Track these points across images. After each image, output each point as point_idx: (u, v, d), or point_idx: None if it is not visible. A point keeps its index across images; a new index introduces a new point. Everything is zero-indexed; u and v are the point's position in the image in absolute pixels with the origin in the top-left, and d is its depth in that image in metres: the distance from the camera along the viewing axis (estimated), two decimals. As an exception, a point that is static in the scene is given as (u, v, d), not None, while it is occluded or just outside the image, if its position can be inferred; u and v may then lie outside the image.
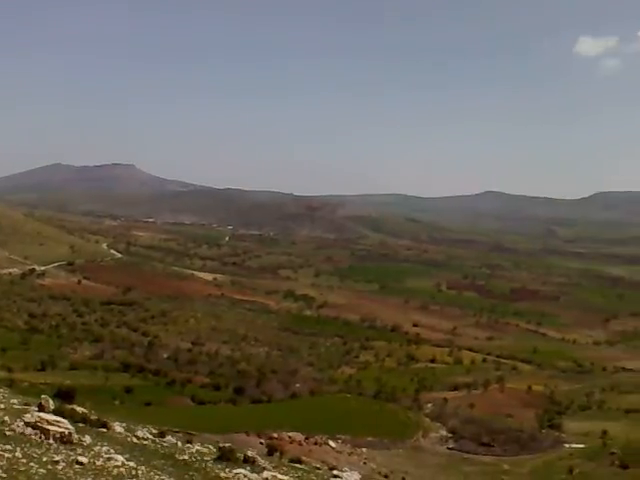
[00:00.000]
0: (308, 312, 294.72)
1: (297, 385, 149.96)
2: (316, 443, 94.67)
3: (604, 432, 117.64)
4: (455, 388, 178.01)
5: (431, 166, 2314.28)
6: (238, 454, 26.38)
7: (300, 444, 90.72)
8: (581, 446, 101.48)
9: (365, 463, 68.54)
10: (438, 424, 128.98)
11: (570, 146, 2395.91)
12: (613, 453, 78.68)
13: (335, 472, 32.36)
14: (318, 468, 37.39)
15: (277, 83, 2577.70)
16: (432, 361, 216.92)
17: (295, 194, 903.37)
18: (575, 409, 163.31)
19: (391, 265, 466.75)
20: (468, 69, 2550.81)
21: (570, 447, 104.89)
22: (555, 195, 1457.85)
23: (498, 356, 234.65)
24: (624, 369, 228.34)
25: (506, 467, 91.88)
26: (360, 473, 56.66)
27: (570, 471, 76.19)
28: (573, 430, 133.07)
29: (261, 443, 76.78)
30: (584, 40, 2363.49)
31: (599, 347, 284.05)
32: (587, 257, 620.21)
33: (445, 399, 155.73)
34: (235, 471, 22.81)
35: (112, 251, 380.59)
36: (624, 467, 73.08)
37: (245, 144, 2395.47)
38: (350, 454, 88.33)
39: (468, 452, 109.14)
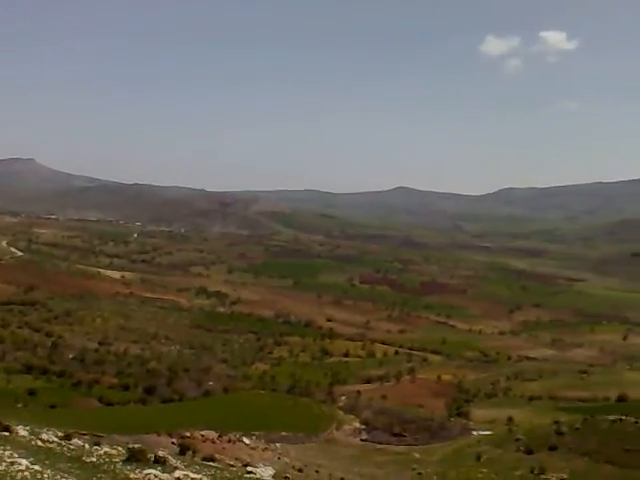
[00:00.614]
0: (221, 309, 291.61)
1: (210, 383, 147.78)
2: (230, 440, 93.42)
3: (509, 419, 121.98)
4: (368, 381, 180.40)
5: (344, 162, 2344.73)
6: (149, 455, 25.47)
7: (213, 442, 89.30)
8: (488, 433, 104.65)
9: (279, 458, 68.26)
10: (352, 416, 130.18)
11: (476, 143, 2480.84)
12: (518, 439, 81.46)
13: (249, 468, 32.05)
14: (232, 465, 36.81)
15: (188, 77, 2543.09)
16: (346, 355, 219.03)
17: (207, 190, 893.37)
18: (482, 397, 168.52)
19: (305, 261, 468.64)
20: (377, 62, 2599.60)
21: (478, 434, 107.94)
22: (462, 191, 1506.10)
23: (409, 348, 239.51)
24: (527, 358, 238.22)
25: (417, 456, 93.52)
26: (274, 468, 56.23)
27: (478, 458, 78.36)
28: (480, 417, 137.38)
29: (173, 443, 75.07)
30: (489, 40, 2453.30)
31: (504, 337, 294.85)
32: (492, 251, 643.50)
33: (358, 392, 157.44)
34: (145, 472, 21.99)
35: (12, 249, 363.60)
36: (529, 452, 75.79)
37: (155, 139, 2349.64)
38: (264, 450, 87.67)
39: (381, 443, 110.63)
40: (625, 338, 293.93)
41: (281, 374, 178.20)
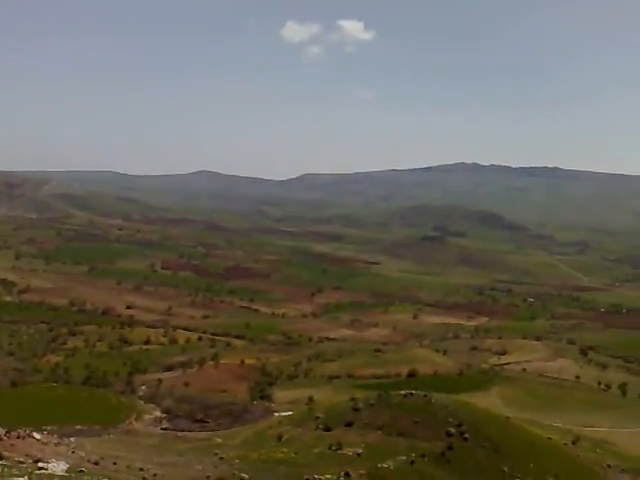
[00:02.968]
0: (8, 298, 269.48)
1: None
2: (19, 437, 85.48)
3: (310, 398, 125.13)
4: (170, 368, 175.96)
5: (145, 144, 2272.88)
6: None
7: (0, 439, 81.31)
8: (289, 413, 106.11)
9: (74, 452, 63.64)
10: (152, 405, 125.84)
11: (279, 129, 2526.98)
12: (318, 418, 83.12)
13: (40, 464, 29.49)
14: (22, 462, 33.64)
15: None
16: (147, 343, 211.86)
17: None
18: (284, 379, 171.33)
19: (102, 246, 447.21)
20: (173, 46, 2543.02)
21: (280, 415, 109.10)
22: (265, 176, 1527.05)
23: (213, 334, 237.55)
24: (328, 339, 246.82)
25: (219, 441, 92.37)
26: (68, 463, 52.00)
27: (279, 438, 78.84)
28: (283, 399, 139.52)
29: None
30: (290, 25, 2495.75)
31: (306, 319, 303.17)
32: (295, 235, 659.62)
33: (160, 380, 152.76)
34: None
35: None
36: (327, 430, 77.57)
37: None
38: (57, 444, 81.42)
39: (182, 430, 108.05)
40: (416, 317, 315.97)
41: (76, 365, 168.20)
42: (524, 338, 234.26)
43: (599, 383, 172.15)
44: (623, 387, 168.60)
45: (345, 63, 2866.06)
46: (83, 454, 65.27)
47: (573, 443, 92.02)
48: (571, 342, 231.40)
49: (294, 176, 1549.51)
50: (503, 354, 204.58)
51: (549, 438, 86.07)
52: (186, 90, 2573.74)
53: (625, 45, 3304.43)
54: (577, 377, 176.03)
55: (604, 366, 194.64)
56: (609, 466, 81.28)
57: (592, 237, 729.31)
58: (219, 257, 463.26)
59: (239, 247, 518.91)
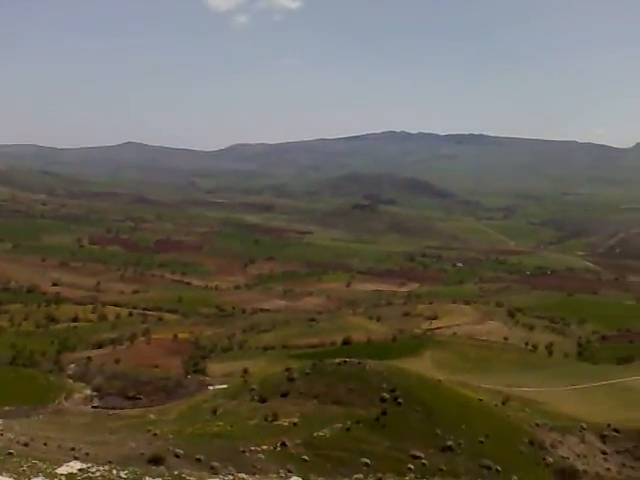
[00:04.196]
0: None
1: None
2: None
3: (245, 370, 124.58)
4: (100, 345, 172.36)
5: (67, 115, 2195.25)
6: None
7: None
8: (224, 386, 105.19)
9: (2, 434, 61.00)
10: (82, 384, 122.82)
11: (207, 99, 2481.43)
12: (253, 389, 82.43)
13: None
14: None
15: None
16: (75, 320, 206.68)
17: None
18: (219, 352, 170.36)
19: (25, 222, 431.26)
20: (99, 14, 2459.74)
21: (214, 389, 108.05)
22: (194, 147, 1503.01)
23: (144, 309, 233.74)
24: (261, 310, 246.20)
25: (153, 417, 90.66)
26: (-5, 445, 49.57)
27: (214, 412, 77.83)
28: (217, 372, 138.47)
29: None
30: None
31: (239, 291, 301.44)
32: (226, 206, 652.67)
33: (89, 358, 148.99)
34: None
35: None
36: (263, 401, 76.99)
37: None
38: (-16, 427, 78.28)
39: (114, 408, 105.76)
40: (348, 285, 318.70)
41: (1, 345, 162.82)
42: (454, 302, 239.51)
43: (526, 344, 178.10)
44: (549, 347, 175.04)
45: (273, 32, 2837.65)
46: (12, 436, 62.74)
47: (503, 403, 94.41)
48: (499, 305, 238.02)
49: (224, 147, 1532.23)
50: (434, 319, 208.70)
51: (480, 399, 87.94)
52: (111, 60, 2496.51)
53: (551, 14, 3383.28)
54: (505, 339, 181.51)
55: (531, 327, 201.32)
56: (537, 424, 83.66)
57: (517, 202, 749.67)
58: (148, 230, 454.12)
59: (169, 220, 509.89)
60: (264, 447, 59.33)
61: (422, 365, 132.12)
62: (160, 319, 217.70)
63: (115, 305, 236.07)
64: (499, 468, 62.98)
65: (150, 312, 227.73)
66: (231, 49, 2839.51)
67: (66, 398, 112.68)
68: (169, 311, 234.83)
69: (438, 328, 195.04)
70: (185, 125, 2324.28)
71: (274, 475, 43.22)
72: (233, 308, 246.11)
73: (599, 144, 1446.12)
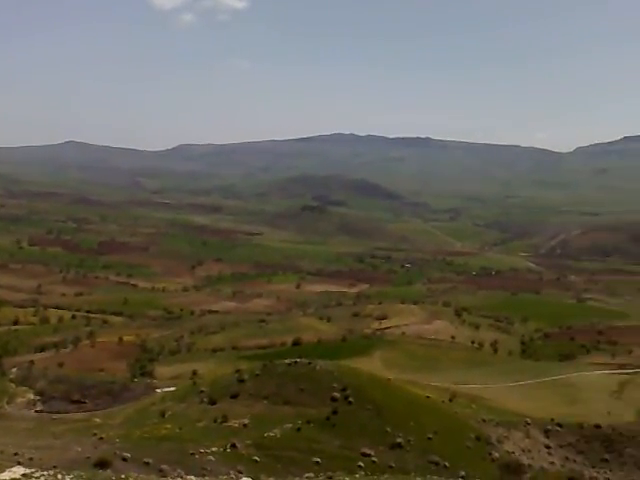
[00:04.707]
0: None
1: None
2: None
3: (194, 373, 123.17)
4: (43, 349, 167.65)
5: (6, 114, 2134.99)
6: None
7: None
8: (173, 389, 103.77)
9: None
10: (25, 388, 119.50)
11: (151, 98, 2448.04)
12: (202, 391, 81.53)
13: None
14: None
15: None
16: (15, 323, 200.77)
17: None
18: (166, 354, 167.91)
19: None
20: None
21: (162, 391, 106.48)
22: (139, 146, 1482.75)
23: (88, 311, 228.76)
24: (210, 311, 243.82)
25: (98, 421, 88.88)
26: None
27: (162, 414, 76.64)
28: (165, 375, 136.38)
29: None
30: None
31: (187, 293, 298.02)
32: (173, 207, 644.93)
33: (32, 361, 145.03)
34: None
35: None
36: (212, 403, 76.21)
37: None
38: None
39: (58, 412, 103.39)
40: (298, 286, 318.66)
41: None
42: (403, 303, 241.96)
43: (472, 342, 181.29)
44: (494, 345, 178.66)
45: (219, 31, 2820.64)
46: (-49, 444, 60.65)
47: (450, 400, 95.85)
48: (446, 305, 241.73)
49: (170, 147, 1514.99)
50: (383, 319, 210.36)
51: (428, 397, 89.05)
52: (52, 57, 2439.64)
53: (491, 21, 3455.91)
54: (453, 337, 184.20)
55: (477, 326, 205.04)
56: (484, 420, 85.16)
57: (463, 204, 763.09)
58: (92, 232, 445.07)
59: (113, 221, 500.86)
60: (214, 449, 58.67)
61: (372, 364, 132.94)
62: (105, 322, 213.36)
63: (57, 308, 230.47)
64: (447, 464, 63.73)
65: (94, 315, 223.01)
66: (177, 48, 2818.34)
67: (8, 402, 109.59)
68: (114, 314, 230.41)
69: (387, 328, 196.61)
70: (130, 124, 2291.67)
71: (224, 477, 42.73)
72: (181, 310, 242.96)
73: (541, 148, 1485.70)
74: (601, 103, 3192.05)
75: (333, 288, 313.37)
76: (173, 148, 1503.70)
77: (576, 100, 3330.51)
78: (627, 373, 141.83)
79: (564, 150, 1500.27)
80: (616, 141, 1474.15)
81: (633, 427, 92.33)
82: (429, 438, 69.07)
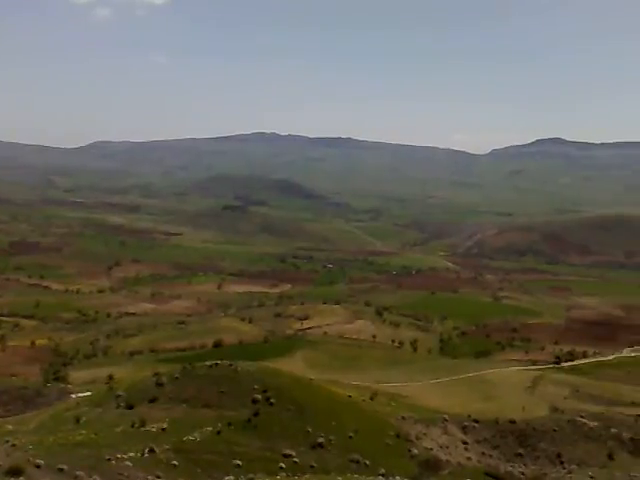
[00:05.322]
0: None
1: None
2: None
3: (110, 377, 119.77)
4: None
5: None
6: None
7: None
8: (88, 394, 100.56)
9: None
10: None
11: (64, 94, 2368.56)
12: (119, 396, 79.18)
13: None
14: None
15: None
16: None
17: None
18: (81, 358, 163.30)
19: None
20: None
21: (77, 397, 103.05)
22: (51, 144, 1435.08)
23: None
24: (127, 313, 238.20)
25: (10, 427, 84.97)
26: None
27: (77, 420, 73.93)
28: (80, 379, 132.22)
29: None
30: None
31: (103, 295, 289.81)
32: (88, 206, 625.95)
33: None
34: None
35: None
36: (130, 407, 74.10)
37: None
38: None
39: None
40: (220, 287, 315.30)
41: None
42: (325, 303, 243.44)
43: (393, 341, 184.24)
44: (414, 343, 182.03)
45: (137, 26, 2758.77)
46: None
47: (371, 399, 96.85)
48: (367, 304, 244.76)
49: (85, 144, 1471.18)
50: (306, 319, 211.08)
51: (349, 396, 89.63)
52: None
53: (415, 22, 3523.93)
54: (374, 337, 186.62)
55: (397, 325, 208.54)
56: (403, 418, 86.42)
57: (383, 204, 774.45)
58: (1, 232, 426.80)
59: (24, 220, 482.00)
60: (131, 454, 57.01)
61: (294, 365, 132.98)
62: (16, 325, 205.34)
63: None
64: (367, 462, 64.24)
65: (5, 318, 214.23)
66: (93, 43, 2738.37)
67: None
68: (26, 317, 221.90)
69: (309, 328, 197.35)
70: (42, 121, 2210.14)
71: (142, 483, 41.54)
72: (96, 312, 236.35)
73: (458, 150, 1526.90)
74: (515, 107, 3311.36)
75: (255, 289, 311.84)
76: (88, 145, 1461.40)
77: (491, 103, 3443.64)
78: (540, 369, 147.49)
79: (480, 152, 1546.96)
80: (529, 144, 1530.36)
81: (546, 422, 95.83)
82: (350, 437, 69.48)
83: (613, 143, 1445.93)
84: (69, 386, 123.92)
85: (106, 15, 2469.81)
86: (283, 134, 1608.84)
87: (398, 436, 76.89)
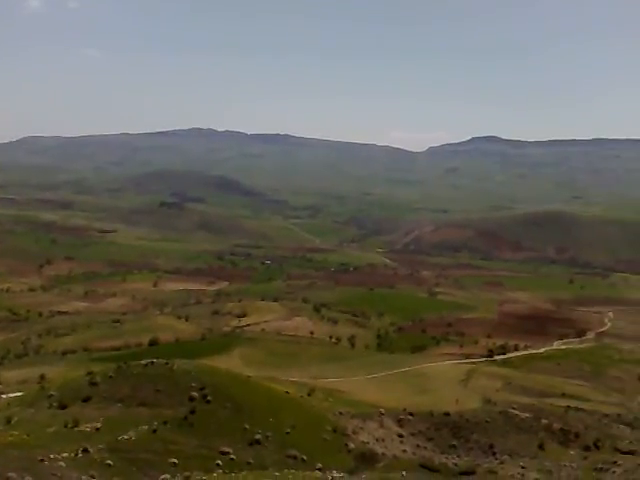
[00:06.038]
0: None
1: None
2: None
3: (42, 376, 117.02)
4: None
5: None
6: None
7: None
8: (19, 394, 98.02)
9: None
10: None
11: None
12: (51, 396, 77.51)
13: None
14: None
15: None
16: None
17: None
18: (12, 358, 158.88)
19: None
20: None
21: (8, 397, 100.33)
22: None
23: None
24: (60, 312, 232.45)
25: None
26: None
27: (8, 421, 72.03)
28: (11, 379, 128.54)
29: None
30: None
31: (35, 293, 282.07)
32: (18, 203, 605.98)
33: None
34: None
35: None
36: (62, 407, 72.70)
37: None
38: None
39: None
40: (156, 285, 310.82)
41: None
42: (263, 300, 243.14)
43: (331, 337, 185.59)
44: (352, 339, 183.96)
45: (68, 19, 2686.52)
46: None
47: (309, 395, 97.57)
48: (305, 301, 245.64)
49: (14, 139, 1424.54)
50: (243, 316, 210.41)
51: (287, 392, 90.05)
52: None
53: (354, 19, 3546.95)
54: (312, 333, 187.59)
55: (335, 321, 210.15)
56: (341, 413, 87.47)
57: (322, 201, 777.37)
58: None
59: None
60: (64, 454, 56.03)
61: (232, 362, 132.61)
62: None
63: None
64: (304, 457, 64.83)
65: None
66: (22, 35, 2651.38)
67: None
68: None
69: (247, 325, 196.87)
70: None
71: (76, 483, 40.97)
72: (28, 311, 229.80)
73: (396, 147, 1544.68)
74: (452, 105, 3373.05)
75: (192, 286, 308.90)
76: (18, 140, 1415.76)
77: (429, 102, 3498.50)
78: (473, 362, 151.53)
79: (417, 150, 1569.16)
80: (466, 141, 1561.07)
81: (479, 414, 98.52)
82: (287, 433, 69.93)
83: (546, 141, 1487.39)
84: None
85: (37, 6, 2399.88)
86: (220, 130, 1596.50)
87: (335, 431, 77.78)
